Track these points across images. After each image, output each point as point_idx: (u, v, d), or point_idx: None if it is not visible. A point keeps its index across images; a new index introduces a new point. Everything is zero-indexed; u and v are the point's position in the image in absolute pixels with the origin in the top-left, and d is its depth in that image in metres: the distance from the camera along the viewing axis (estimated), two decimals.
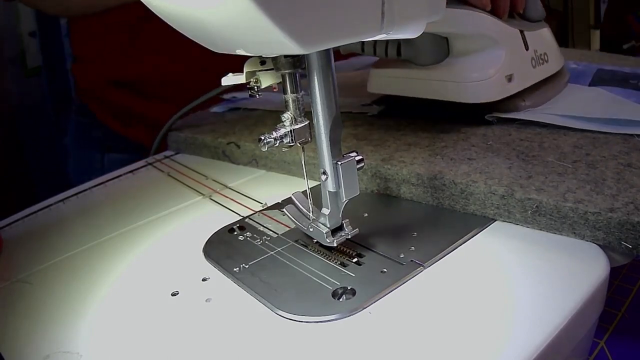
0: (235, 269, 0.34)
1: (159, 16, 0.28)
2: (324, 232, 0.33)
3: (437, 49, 0.47)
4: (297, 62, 0.30)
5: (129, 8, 0.69)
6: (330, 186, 0.32)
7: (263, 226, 0.39)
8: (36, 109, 1.47)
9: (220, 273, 0.34)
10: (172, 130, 0.61)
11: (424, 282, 0.31)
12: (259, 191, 0.46)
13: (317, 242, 0.35)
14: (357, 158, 0.32)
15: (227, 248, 0.37)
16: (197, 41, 0.28)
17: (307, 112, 0.32)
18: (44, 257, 0.40)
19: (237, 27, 0.24)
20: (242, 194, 0.46)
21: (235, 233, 0.39)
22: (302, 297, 0.30)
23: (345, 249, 0.34)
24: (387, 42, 0.49)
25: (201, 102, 0.60)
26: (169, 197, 0.48)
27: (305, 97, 0.31)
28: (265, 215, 0.41)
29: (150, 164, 0.58)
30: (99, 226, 0.44)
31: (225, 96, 0.69)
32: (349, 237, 0.34)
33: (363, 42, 0.49)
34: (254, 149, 0.51)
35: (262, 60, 0.31)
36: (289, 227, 0.38)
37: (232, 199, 0.45)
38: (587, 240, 0.32)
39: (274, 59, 0.30)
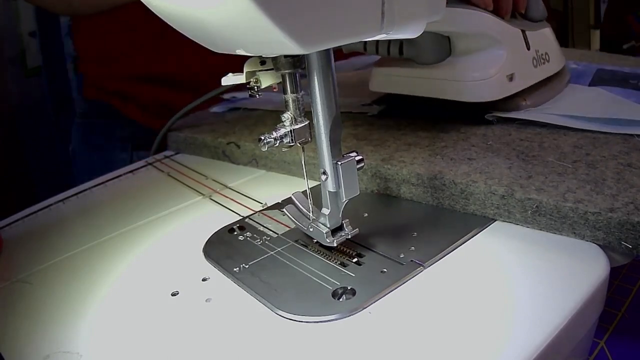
0: (235, 269, 0.34)
1: (159, 16, 0.28)
2: (324, 232, 0.33)
3: (439, 48, 0.47)
4: (297, 62, 0.30)
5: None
6: (330, 186, 0.32)
7: (263, 226, 0.39)
8: (36, 109, 1.47)
9: (220, 273, 0.34)
10: (172, 130, 0.61)
11: (424, 282, 0.31)
12: (259, 191, 0.46)
13: (317, 242, 0.35)
14: (357, 158, 0.32)
15: (227, 248, 0.37)
16: (197, 41, 0.28)
17: (307, 112, 0.32)
18: (44, 257, 0.40)
19: (237, 27, 0.24)
20: (242, 194, 0.46)
21: (235, 233, 0.39)
22: (302, 297, 0.30)
23: (345, 249, 0.34)
24: (389, 41, 0.49)
25: (201, 102, 0.60)
26: (169, 197, 0.48)
27: (305, 97, 0.31)
28: (265, 215, 0.41)
29: (150, 164, 0.58)
30: (99, 226, 0.44)
31: (225, 96, 0.69)
32: (349, 237, 0.34)
33: (365, 41, 0.50)
34: (254, 149, 0.51)
35: (262, 60, 0.31)
36: (289, 227, 0.38)
37: (232, 199, 0.45)
38: (587, 240, 0.32)
39: (274, 59, 0.30)
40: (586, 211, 0.31)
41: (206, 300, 0.32)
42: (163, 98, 0.76)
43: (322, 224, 0.33)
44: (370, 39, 0.28)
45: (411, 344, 0.26)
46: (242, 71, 0.32)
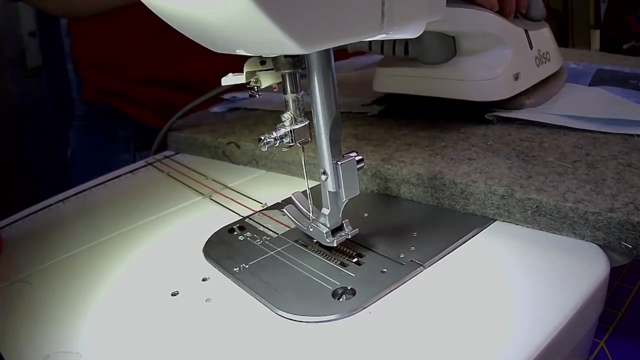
0: (235, 269, 0.34)
1: (160, 16, 0.28)
2: (324, 232, 0.33)
3: (445, 48, 0.47)
4: (297, 62, 0.30)
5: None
6: (330, 186, 0.32)
7: (263, 226, 0.39)
8: (36, 109, 1.47)
9: (220, 273, 0.34)
10: (172, 130, 0.61)
11: (424, 282, 0.31)
12: (259, 191, 0.46)
13: (317, 242, 0.35)
14: (357, 158, 0.32)
15: (227, 248, 0.37)
16: (197, 41, 0.28)
17: (307, 112, 0.32)
18: (44, 257, 0.40)
19: (237, 27, 0.24)
20: (242, 194, 0.46)
21: (235, 233, 0.39)
22: (302, 297, 0.30)
23: (345, 249, 0.34)
24: (394, 40, 0.49)
25: (201, 102, 0.60)
26: (169, 197, 0.48)
27: (305, 97, 0.31)
28: (265, 215, 0.41)
29: (150, 164, 0.58)
30: (99, 226, 0.44)
31: (225, 96, 0.69)
32: (349, 237, 0.34)
33: (370, 41, 0.50)
34: (254, 149, 0.51)
35: (262, 60, 0.31)
36: (289, 227, 0.38)
37: (232, 199, 0.45)
38: (587, 240, 0.32)
39: (274, 59, 0.30)
40: (586, 211, 0.31)
41: (206, 300, 0.32)
42: (164, 97, 0.76)
43: (322, 224, 0.33)
44: (370, 39, 0.28)
45: (411, 344, 0.26)
46: (242, 71, 0.32)
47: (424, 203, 0.39)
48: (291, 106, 0.31)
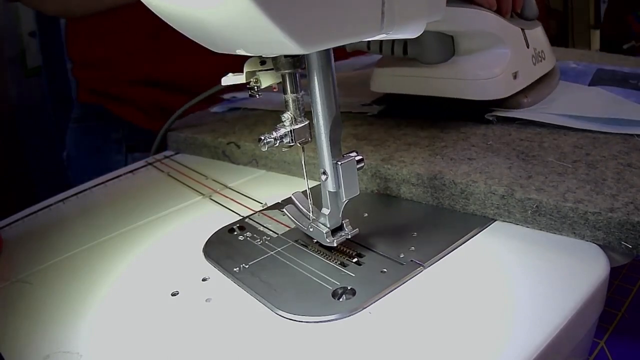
0: (235, 269, 0.34)
1: (159, 16, 0.28)
2: (324, 232, 0.33)
3: (444, 47, 0.48)
4: (297, 62, 0.30)
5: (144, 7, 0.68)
6: (330, 186, 0.32)
7: (263, 226, 0.39)
8: (36, 109, 1.47)
9: (220, 273, 0.34)
10: (172, 130, 0.61)
11: (424, 282, 0.31)
12: (259, 191, 0.46)
13: (317, 242, 0.35)
14: (357, 158, 0.32)
15: (227, 248, 0.37)
16: (197, 41, 0.28)
17: (307, 112, 0.32)
18: (44, 257, 0.40)
19: (237, 27, 0.24)
20: (242, 194, 0.46)
21: (235, 233, 0.39)
22: (302, 297, 0.30)
23: (345, 249, 0.34)
24: (393, 40, 0.49)
25: (199, 100, 0.60)
26: (169, 197, 0.48)
27: (305, 97, 0.31)
28: (265, 215, 0.41)
29: (150, 164, 0.58)
30: (99, 226, 0.44)
31: (225, 96, 0.69)
32: (349, 237, 0.34)
33: (369, 41, 0.50)
34: (254, 149, 0.51)
35: (262, 60, 0.31)
36: (289, 227, 0.38)
37: (232, 199, 0.45)
38: (587, 240, 0.32)
39: (274, 59, 0.30)
40: (586, 211, 0.31)
41: (206, 300, 0.32)
42: (160, 100, 0.76)
43: (322, 224, 0.33)
44: (370, 39, 0.28)
45: (411, 344, 0.26)
46: (241, 72, 0.32)
47: (424, 203, 0.39)
48: (291, 106, 0.31)
